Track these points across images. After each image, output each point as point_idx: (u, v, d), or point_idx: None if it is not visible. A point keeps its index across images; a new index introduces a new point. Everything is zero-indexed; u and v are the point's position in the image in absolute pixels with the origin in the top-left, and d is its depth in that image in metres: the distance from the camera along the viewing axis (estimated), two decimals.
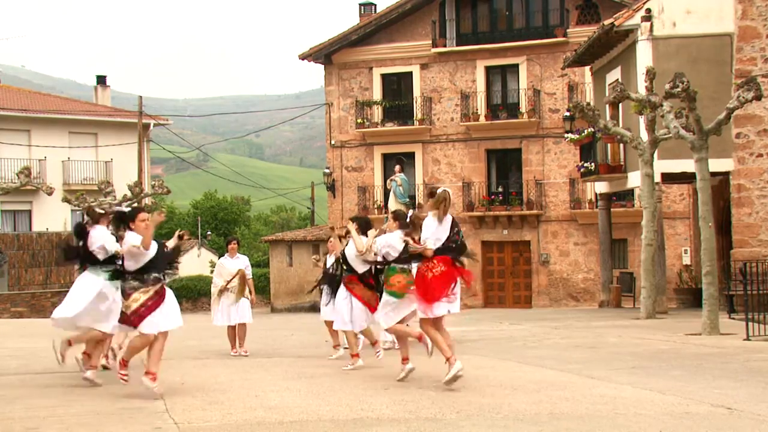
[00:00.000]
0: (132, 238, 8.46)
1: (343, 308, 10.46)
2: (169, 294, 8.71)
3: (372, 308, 10.20)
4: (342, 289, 10.58)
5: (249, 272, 13.13)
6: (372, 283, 10.40)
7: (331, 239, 12.41)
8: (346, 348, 12.12)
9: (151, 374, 8.34)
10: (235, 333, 12.96)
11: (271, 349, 13.79)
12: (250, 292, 13.06)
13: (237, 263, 13.05)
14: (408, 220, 9.52)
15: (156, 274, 8.58)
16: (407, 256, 9.16)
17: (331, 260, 12.14)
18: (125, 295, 8.52)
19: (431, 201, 8.81)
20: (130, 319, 8.43)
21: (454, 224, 8.89)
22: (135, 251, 8.42)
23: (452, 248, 8.76)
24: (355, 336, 10.78)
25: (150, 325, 8.43)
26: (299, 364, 11.42)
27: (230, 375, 10.24)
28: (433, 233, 8.75)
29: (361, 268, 10.42)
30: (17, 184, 27.54)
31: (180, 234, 9.40)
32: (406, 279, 9.28)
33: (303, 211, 75.37)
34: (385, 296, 9.51)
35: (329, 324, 12.00)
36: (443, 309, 8.68)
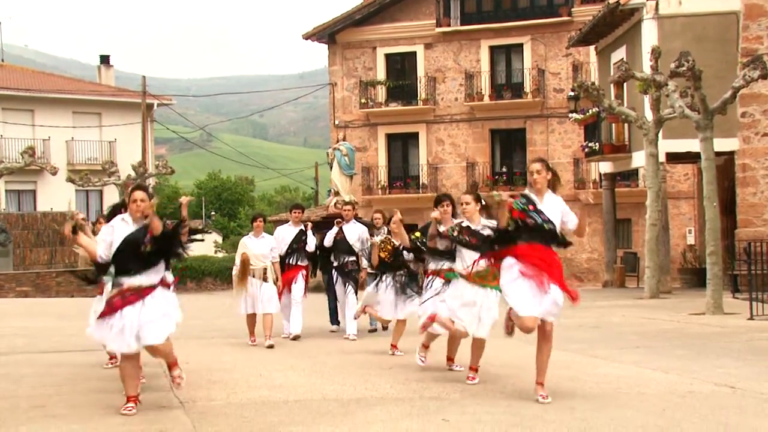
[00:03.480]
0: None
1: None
2: (158, 299, 6.73)
3: None
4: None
5: (275, 254, 11.60)
6: None
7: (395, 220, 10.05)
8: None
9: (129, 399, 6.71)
10: (255, 321, 11.45)
11: (275, 329, 13.81)
12: (277, 278, 11.53)
13: (262, 243, 11.43)
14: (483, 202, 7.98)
15: (129, 276, 6.66)
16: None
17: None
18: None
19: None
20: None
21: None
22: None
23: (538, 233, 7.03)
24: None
25: (100, 332, 6.73)
26: (303, 344, 11.46)
27: (234, 354, 10.27)
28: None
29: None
30: (21, 164, 27.61)
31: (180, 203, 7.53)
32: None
33: (307, 191, 75.32)
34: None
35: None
36: (532, 310, 6.91)
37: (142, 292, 6.64)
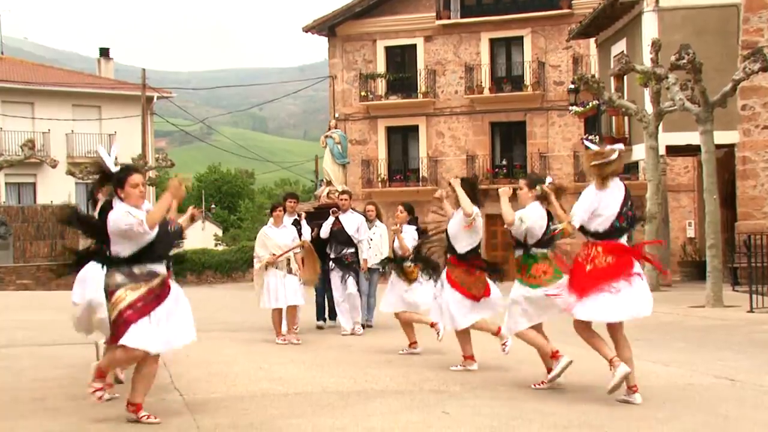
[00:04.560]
0: (121, 212, 5.98)
1: (443, 301, 8.25)
2: (176, 296, 6.20)
3: (476, 297, 8.09)
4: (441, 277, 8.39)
5: (297, 243, 11.11)
6: (480, 264, 8.21)
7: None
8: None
9: (132, 405, 6.11)
10: (281, 316, 10.86)
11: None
12: (299, 267, 10.95)
13: (284, 233, 10.93)
14: (541, 190, 7.38)
15: (152, 267, 6.08)
16: (549, 237, 7.27)
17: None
18: (107, 294, 6.09)
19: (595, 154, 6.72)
20: (117, 327, 5.98)
21: (628, 195, 6.82)
22: (135, 230, 5.94)
23: (625, 229, 6.75)
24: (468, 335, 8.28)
25: (136, 337, 5.91)
26: (303, 338, 11.45)
27: (235, 348, 10.28)
28: (589, 206, 6.71)
29: (464, 247, 8.20)
30: (21, 157, 27.56)
31: (192, 215, 6.90)
32: (553, 269, 7.29)
33: (307, 184, 75.34)
34: (520, 291, 7.33)
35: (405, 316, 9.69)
36: (622, 313, 6.67)
37: (165, 282, 6.14)
